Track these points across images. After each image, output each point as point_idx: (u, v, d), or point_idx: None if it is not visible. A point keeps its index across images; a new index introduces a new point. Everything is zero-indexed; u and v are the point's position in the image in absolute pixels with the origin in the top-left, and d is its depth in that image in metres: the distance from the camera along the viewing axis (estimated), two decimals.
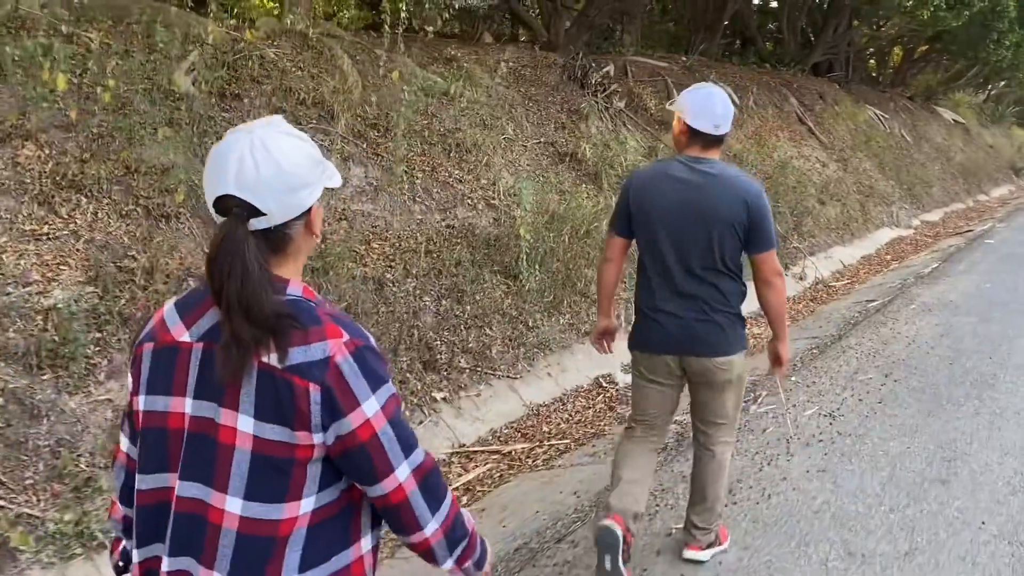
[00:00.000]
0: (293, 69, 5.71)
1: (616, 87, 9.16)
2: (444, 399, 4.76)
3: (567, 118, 8.40)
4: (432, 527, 1.43)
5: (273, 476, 1.32)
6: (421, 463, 1.41)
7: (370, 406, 1.34)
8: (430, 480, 1.42)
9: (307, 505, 1.34)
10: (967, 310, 7.53)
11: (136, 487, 1.41)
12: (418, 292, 5.05)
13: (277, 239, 1.37)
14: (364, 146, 5.64)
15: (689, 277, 2.92)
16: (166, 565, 1.37)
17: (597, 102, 8.70)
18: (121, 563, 1.60)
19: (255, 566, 1.33)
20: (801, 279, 8.78)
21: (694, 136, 2.93)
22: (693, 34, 14.07)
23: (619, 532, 2.90)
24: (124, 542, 1.59)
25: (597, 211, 7.21)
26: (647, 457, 3.16)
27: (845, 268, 9.91)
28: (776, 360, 3.19)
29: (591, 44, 11.27)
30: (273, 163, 1.33)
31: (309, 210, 1.40)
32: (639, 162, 8.34)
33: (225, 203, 1.33)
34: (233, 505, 1.31)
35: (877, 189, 13.33)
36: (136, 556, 1.43)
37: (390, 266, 5.05)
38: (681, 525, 3.39)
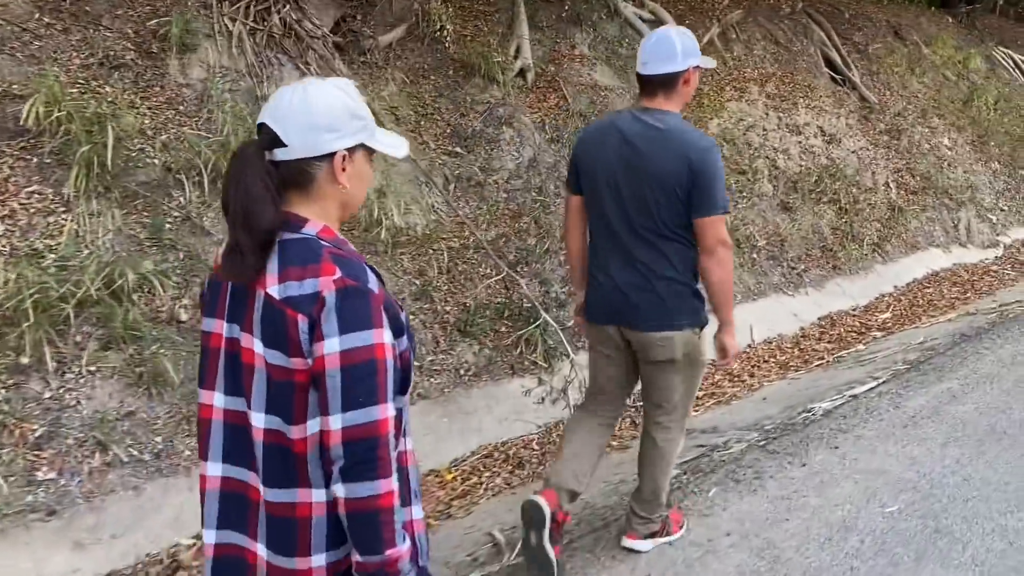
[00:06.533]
0: None
1: None
2: None
3: (135, 51, 4.17)
4: (339, 492, 1.29)
5: (282, 395, 1.32)
6: (359, 424, 1.28)
7: (330, 344, 1.28)
8: (358, 447, 1.28)
9: (313, 426, 1.32)
10: None
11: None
12: None
13: (298, 175, 1.38)
14: None
15: (634, 239, 2.52)
16: (218, 471, 1.39)
17: (222, 15, 4.36)
18: None
19: (285, 475, 1.34)
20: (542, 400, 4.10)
21: (639, 83, 2.57)
22: None
23: (547, 509, 2.57)
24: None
25: None
26: (595, 432, 2.77)
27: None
28: (721, 352, 2.67)
29: None
30: (303, 102, 1.36)
31: (334, 156, 1.38)
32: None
33: (260, 132, 1.39)
34: (257, 419, 1.34)
35: (941, 182, 7.81)
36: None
37: None
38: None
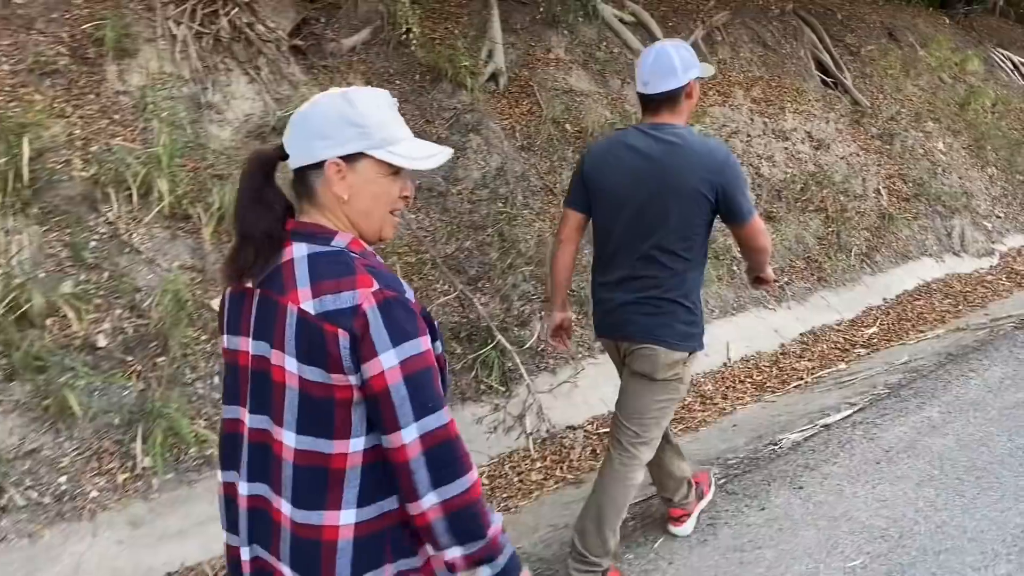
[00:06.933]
0: None
1: None
2: None
3: (69, 56, 3.91)
4: (430, 501, 1.25)
5: (319, 414, 1.28)
6: (434, 430, 1.25)
7: (387, 359, 1.24)
8: (440, 450, 1.25)
9: (356, 445, 1.28)
10: None
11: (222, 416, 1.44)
12: None
13: (301, 184, 1.35)
14: None
15: (640, 258, 2.49)
16: (244, 489, 1.37)
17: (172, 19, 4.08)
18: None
19: (314, 495, 1.30)
20: None
21: (641, 102, 2.54)
22: None
23: None
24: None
25: None
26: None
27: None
28: (760, 281, 2.67)
29: None
30: (307, 109, 1.33)
31: (324, 165, 1.32)
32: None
33: None
34: (288, 438, 1.30)
35: (934, 188, 7.50)
36: (220, 477, 1.44)
37: None
38: None
